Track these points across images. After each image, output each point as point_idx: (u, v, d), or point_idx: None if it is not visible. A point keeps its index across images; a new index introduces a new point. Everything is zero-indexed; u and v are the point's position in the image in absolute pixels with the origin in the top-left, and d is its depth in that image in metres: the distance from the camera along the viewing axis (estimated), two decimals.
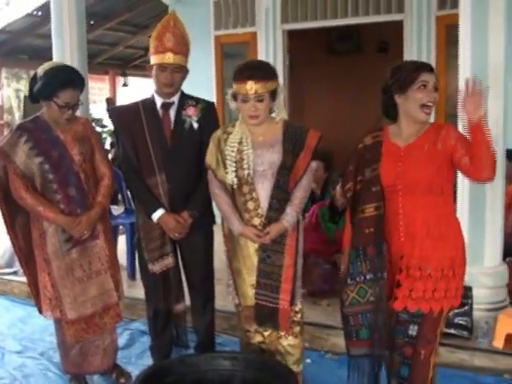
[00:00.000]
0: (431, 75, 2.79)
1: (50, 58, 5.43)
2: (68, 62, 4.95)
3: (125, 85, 14.31)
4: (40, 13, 9.29)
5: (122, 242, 5.49)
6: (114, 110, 3.95)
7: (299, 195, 3.17)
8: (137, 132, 3.45)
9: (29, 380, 3.77)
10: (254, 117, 3.09)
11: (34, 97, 3.34)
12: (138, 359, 3.99)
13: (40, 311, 3.53)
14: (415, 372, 2.93)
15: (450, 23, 5.41)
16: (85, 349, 3.53)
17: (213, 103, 3.66)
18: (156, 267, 3.50)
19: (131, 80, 14.64)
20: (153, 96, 3.53)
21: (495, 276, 4.09)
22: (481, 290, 3.98)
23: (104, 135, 11.38)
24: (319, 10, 6.78)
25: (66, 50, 5.36)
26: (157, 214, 3.41)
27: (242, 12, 7.27)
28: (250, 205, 3.15)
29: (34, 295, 3.53)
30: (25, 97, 11.17)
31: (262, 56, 7.05)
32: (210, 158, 3.22)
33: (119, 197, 6.12)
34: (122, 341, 4.14)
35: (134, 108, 3.53)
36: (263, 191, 3.14)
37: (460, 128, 2.79)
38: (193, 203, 3.44)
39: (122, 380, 3.66)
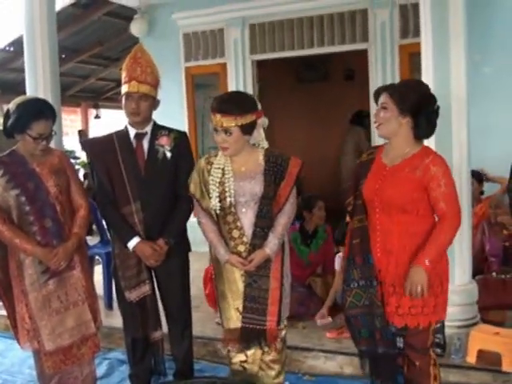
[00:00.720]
0: (383, 95, 2.99)
1: (24, 92, 5.49)
2: (41, 95, 5.03)
3: (97, 117, 14.36)
4: (12, 48, 9.36)
5: (98, 272, 5.50)
6: (88, 141, 4.03)
7: (282, 221, 3.25)
8: (111, 162, 3.50)
9: None
10: (223, 148, 3.18)
11: (8, 132, 3.39)
12: None
13: (19, 342, 3.53)
14: (413, 381, 3.07)
15: (413, 51, 5.61)
16: (63, 380, 3.53)
17: (185, 133, 3.74)
18: (133, 295, 3.53)
19: (103, 112, 14.69)
20: (126, 127, 3.60)
21: (465, 294, 4.19)
22: (452, 308, 4.01)
23: (77, 167, 11.37)
24: (286, 40, 6.96)
25: (39, 82, 5.41)
26: (132, 243, 3.46)
27: (211, 43, 7.43)
28: (235, 233, 3.24)
29: (13, 326, 3.53)
30: None
31: (232, 86, 7.21)
32: (194, 187, 3.29)
33: (94, 227, 6.14)
34: (100, 370, 4.15)
35: (107, 139, 3.60)
36: (247, 220, 3.23)
37: None
38: (168, 231, 3.49)
39: None
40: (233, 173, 3.22)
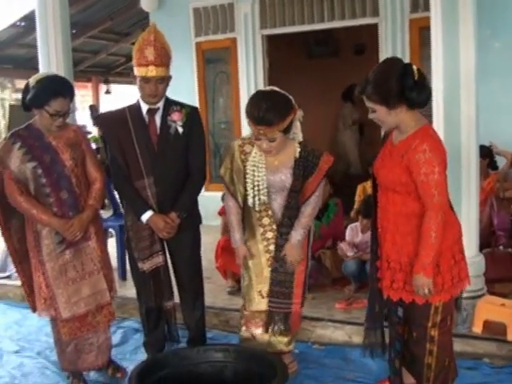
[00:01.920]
0: (365, 100, 2.89)
1: (35, 67, 5.55)
2: (54, 70, 5.07)
3: (107, 92, 14.39)
4: (23, 23, 9.38)
5: (111, 245, 5.60)
6: (101, 116, 4.04)
7: (307, 212, 3.36)
8: (124, 137, 3.54)
9: (28, 378, 3.89)
10: (267, 152, 3.23)
11: (27, 105, 3.46)
12: (132, 355, 4.11)
13: (33, 310, 3.65)
14: (409, 349, 3.15)
15: (423, 26, 5.59)
16: (80, 346, 3.65)
17: (196, 108, 3.77)
18: (146, 265, 3.62)
19: (114, 87, 14.73)
20: (138, 102, 3.62)
21: (472, 266, 4.20)
22: None
23: None
24: (296, 15, 6.96)
25: (51, 58, 5.44)
26: (146, 216, 3.53)
27: (221, 18, 7.43)
28: (265, 220, 3.37)
29: (28, 294, 3.65)
30: (10, 106, 11.20)
31: (242, 61, 7.25)
32: (224, 171, 3.37)
33: (106, 201, 6.23)
34: (115, 339, 4.25)
35: (120, 114, 3.62)
36: (277, 204, 3.37)
37: None
38: (180, 204, 3.56)
39: (118, 375, 3.79)
40: (266, 166, 3.29)
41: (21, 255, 3.61)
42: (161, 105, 3.60)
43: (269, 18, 7.14)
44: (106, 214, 5.99)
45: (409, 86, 2.77)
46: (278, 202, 3.37)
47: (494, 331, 3.87)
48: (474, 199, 4.21)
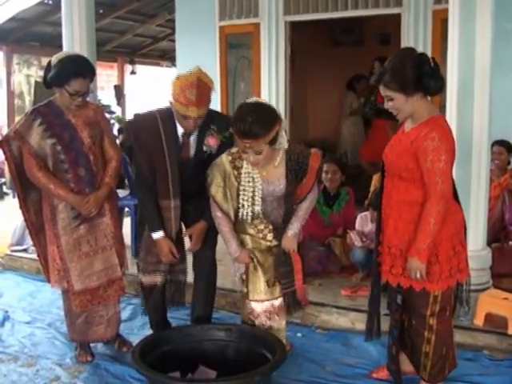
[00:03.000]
0: (381, 89, 2.97)
1: (60, 46, 5.65)
2: (77, 49, 5.18)
3: (133, 72, 14.49)
4: (51, 1, 9.50)
5: (126, 224, 5.71)
6: (132, 125, 3.70)
7: (305, 206, 3.44)
8: (156, 152, 3.44)
9: (37, 347, 4.01)
10: (255, 164, 3.22)
11: (48, 83, 3.56)
12: (139, 330, 4.23)
13: (49, 281, 3.77)
14: (407, 336, 3.24)
15: (446, 17, 5.52)
16: (90, 318, 3.78)
17: (230, 130, 3.38)
18: (145, 279, 3.70)
19: (139, 68, 14.82)
20: (171, 112, 3.43)
21: (478, 259, 4.24)
22: None
23: (112, 121, 11.59)
24: (320, 2, 6.93)
25: (75, 37, 5.53)
26: (157, 235, 3.54)
27: (245, 2, 7.41)
28: (259, 225, 3.42)
29: (43, 265, 3.78)
30: (35, 82, 11.36)
31: (264, 46, 7.23)
32: (216, 190, 3.32)
33: (126, 181, 6.34)
34: (125, 314, 4.39)
35: (152, 125, 3.46)
36: (270, 209, 3.42)
37: None
38: (207, 215, 3.52)
39: (124, 349, 3.90)
40: (260, 176, 3.31)
41: (37, 228, 3.73)
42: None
43: (292, 4, 7.12)
44: (123, 193, 6.10)
45: (426, 73, 2.87)
46: (272, 207, 3.42)
47: (495, 324, 3.91)
48: (483, 193, 4.23)
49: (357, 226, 4.97)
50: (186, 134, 3.48)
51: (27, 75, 14.78)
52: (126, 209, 5.97)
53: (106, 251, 3.72)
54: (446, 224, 2.95)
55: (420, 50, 6.15)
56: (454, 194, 3.07)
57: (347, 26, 9.30)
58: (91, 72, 3.57)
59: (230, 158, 3.33)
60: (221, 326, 3.60)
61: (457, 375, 3.44)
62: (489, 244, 4.53)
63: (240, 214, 3.35)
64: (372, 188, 6.18)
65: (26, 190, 3.65)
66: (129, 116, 12.15)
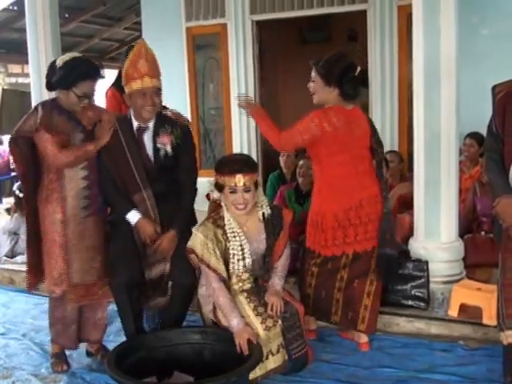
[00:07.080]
0: (312, 70, 3.86)
1: (27, 52, 5.58)
2: (42, 54, 5.15)
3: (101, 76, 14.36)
4: (16, 7, 9.37)
5: None
6: None
7: (283, 263, 3.57)
8: (116, 149, 3.56)
9: (11, 359, 3.94)
10: (242, 206, 3.32)
11: (53, 85, 3.52)
12: (116, 336, 4.15)
13: (30, 288, 3.70)
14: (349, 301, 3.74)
15: (411, 12, 5.59)
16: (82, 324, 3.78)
17: (187, 126, 3.73)
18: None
19: (107, 72, 14.69)
20: (130, 116, 3.62)
21: (451, 251, 4.31)
22: (437, 264, 4.22)
23: None
24: (286, 0, 6.96)
25: (39, 42, 5.48)
26: (134, 218, 3.55)
27: (212, 3, 7.40)
28: (244, 276, 3.45)
29: (30, 272, 3.67)
30: (3, 90, 11.22)
31: (232, 46, 7.24)
32: (209, 255, 3.31)
33: None
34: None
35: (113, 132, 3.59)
36: (257, 266, 3.51)
37: None
38: (178, 222, 3.60)
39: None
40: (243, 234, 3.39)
41: (37, 231, 3.61)
42: (151, 124, 3.61)
43: (259, 4, 7.13)
44: None
45: (347, 77, 3.61)
46: (259, 265, 3.52)
47: (469, 315, 3.94)
48: (453, 184, 4.26)
49: None
50: (139, 131, 3.59)
51: None
52: None
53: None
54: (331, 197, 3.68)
55: (387, 44, 6.32)
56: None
57: (315, 23, 9.31)
58: (99, 74, 3.57)
59: (210, 224, 3.40)
60: (196, 329, 3.58)
61: (433, 366, 3.47)
62: (461, 235, 4.57)
63: (231, 267, 3.39)
64: None
65: (31, 189, 3.59)
66: None
